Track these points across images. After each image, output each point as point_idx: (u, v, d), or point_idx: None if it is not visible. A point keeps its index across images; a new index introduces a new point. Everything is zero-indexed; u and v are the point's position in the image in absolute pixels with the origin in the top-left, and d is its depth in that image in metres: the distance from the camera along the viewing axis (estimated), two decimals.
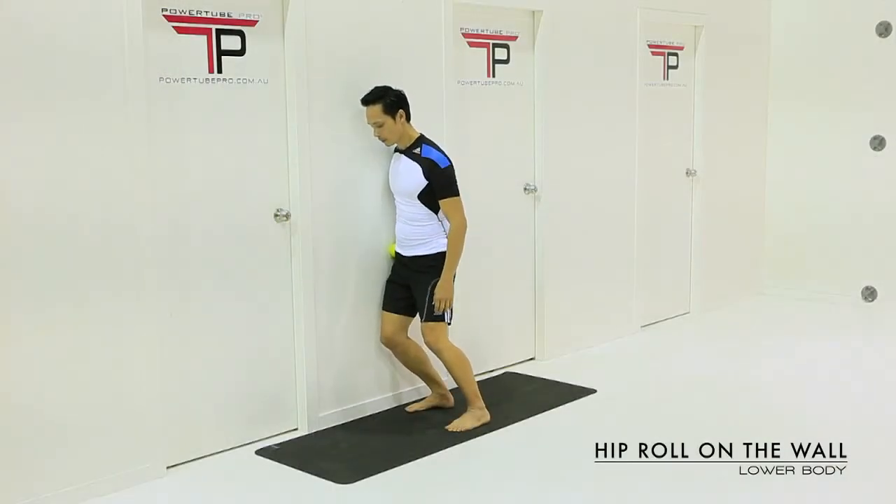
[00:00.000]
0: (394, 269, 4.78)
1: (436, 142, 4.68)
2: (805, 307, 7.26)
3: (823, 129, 7.29)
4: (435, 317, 4.58)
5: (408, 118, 4.58)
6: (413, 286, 4.65)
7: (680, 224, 6.94)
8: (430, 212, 4.57)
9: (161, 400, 4.04)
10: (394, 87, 4.56)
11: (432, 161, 4.50)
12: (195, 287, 4.21)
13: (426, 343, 4.66)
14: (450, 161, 4.56)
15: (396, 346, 4.76)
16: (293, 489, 3.99)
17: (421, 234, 4.59)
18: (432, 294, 4.55)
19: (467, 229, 4.58)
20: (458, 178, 4.58)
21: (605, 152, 6.16)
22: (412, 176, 4.53)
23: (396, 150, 4.69)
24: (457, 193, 4.55)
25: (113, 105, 3.79)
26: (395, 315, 4.73)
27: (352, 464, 4.19)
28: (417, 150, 4.56)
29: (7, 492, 3.59)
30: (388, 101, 4.49)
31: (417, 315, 4.70)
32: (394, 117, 4.50)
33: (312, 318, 4.56)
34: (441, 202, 4.53)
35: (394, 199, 4.75)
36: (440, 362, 4.75)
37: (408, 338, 4.77)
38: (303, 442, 4.48)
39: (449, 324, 4.64)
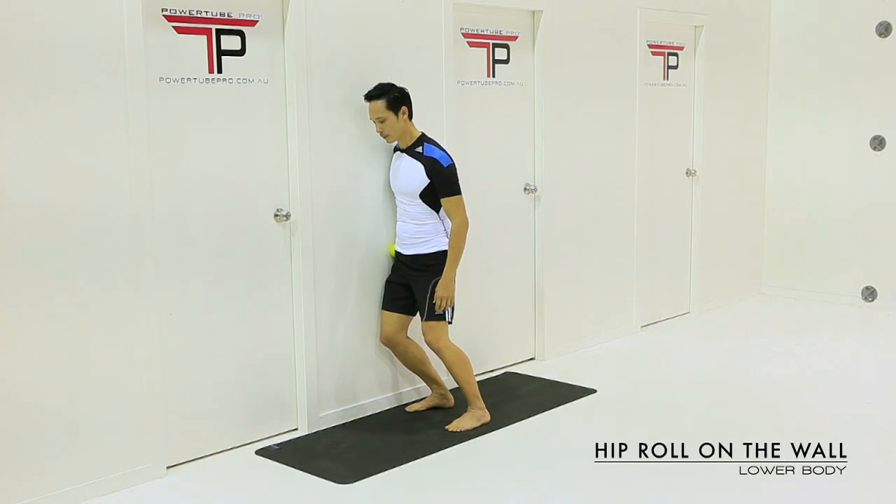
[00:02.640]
0: (394, 269, 4.78)
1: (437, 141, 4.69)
2: (805, 307, 7.26)
3: (823, 129, 7.30)
4: (436, 316, 4.58)
5: (410, 116, 4.58)
6: (413, 285, 4.65)
7: (680, 224, 6.94)
8: (431, 210, 4.57)
9: (161, 400, 4.04)
10: (398, 85, 4.57)
11: (435, 159, 4.51)
12: (195, 287, 4.21)
13: (427, 342, 4.66)
14: (452, 160, 4.56)
15: (396, 346, 4.76)
16: (293, 489, 3.99)
17: (422, 232, 4.59)
18: (433, 293, 4.56)
19: (468, 228, 4.58)
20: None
21: (605, 152, 6.16)
22: (414, 174, 4.54)
23: (397, 149, 4.69)
24: (459, 192, 4.55)
25: (113, 105, 3.79)
26: (395, 314, 4.73)
27: (352, 464, 4.19)
28: (420, 149, 4.56)
29: (7, 491, 3.59)
30: (392, 97, 4.50)
31: (418, 314, 4.71)
32: (396, 113, 4.51)
33: (312, 318, 4.56)
34: (443, 201, 4.53)
35: (394, 198, 4.75)
36: (440, 362, 4.76)
37: (408, 337, 4.78)
38: (303, 442, 4.48)
39: (450, 323, 4.65)
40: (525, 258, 5.76)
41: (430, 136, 4.68)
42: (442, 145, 4.65)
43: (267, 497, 3.94)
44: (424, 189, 4.53)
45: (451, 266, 4.55)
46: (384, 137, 4.59)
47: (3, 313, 3.56)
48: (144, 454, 3.98)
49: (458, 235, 4.55)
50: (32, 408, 3.66)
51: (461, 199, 4.56)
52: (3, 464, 3.59)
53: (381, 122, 4.52)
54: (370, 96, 4.52)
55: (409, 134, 4.60)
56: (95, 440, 3.84)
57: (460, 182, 4.59)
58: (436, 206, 4.57)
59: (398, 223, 4.70)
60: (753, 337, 6.44)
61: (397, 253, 4.73)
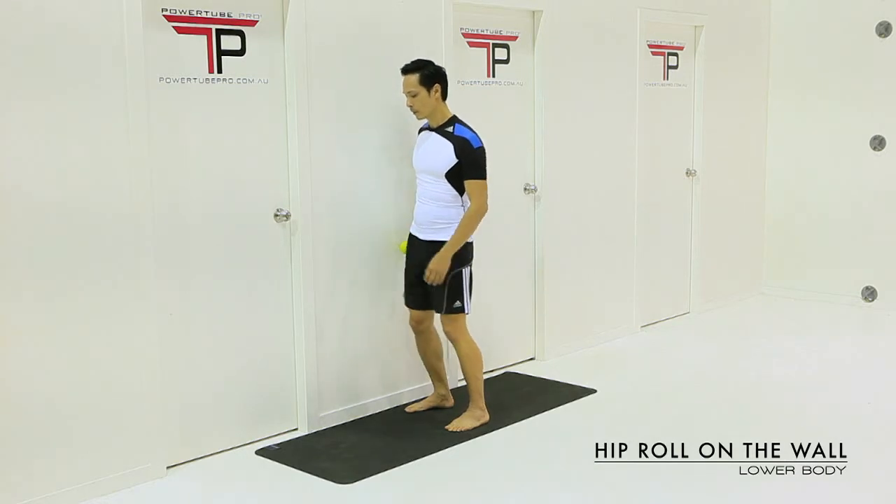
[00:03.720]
0: (409, 259, 4.68)
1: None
2: (805, 307, 7.26)
3: (823, 129, 7.30)
4: (454, 308, 4.54)
5: (444, 96, 4.55)
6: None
7: (680, 224, 6.94)
8: (455, 193, 4.50)
9: (161, 400, 4.04)
10: (436, 63, 4.55)
11: (466, 139, 4.46)
12: (195, 287, 4.21)
13: (445, 332, 4.63)
14: (482, 143, 4.51)
15: (421, 333, 4.74)
16: (293, 489, 3.99)
17: (442, 217, 4.51)
18: (450, 286, 4.50)
19: (484, 215, 4.51)
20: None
21: (605, 152, 6.16)
22: (442, 153, 4.47)
23: (424, 129, 4.64)
24: (484, 177, 4.47)
25: (113, 105, 3.79)
26: (418, 311, 4.70)
27: (352, 464, 4.19)
28: (450, 129, 4.51)
29: (7, 492, 3.59)
30: (427, 72, 4.47)
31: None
32: (429, 90, 4.47)
33: (312, 317, 4.56)
34: (467, 182, 4.45)
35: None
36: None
37: (433, 328, 4.76)
38: (303, 442, 4.48)
39: (468, 313, 4.61)
40: (525, 258, 5.76)
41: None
42: (473, 128, 4.57)
43: (267, 497, 3.94)
44: (451, 169, 4.45)
45: (455, 243, 4.46)
46: (414, 113, 4.54)
47: (3, 313, 3.56)
48: (144, 454, 3.98)
49: (472, 218, 4.48)
50: (32, 408, 3.66)
51: (485, 184, 4.48)
52: (3, 464, 3.58)
53: (413, 96, 4.49)
54: (406, 69, 4.50)
55: (440, 113, 4.55)
56: (95, 440, 3.84)
57: None
58: (460, 189, 4.49)
59: (417, 206, 4.62)
60: (753, 337, 6.44)
61: (414, 238, 4.65)
